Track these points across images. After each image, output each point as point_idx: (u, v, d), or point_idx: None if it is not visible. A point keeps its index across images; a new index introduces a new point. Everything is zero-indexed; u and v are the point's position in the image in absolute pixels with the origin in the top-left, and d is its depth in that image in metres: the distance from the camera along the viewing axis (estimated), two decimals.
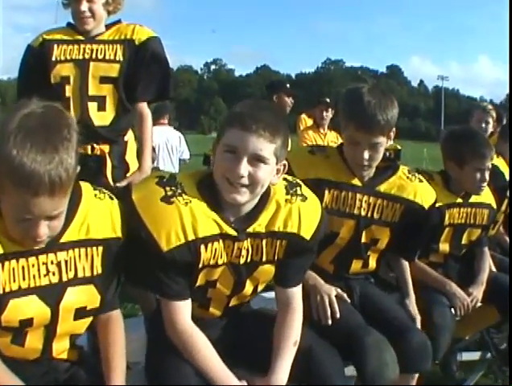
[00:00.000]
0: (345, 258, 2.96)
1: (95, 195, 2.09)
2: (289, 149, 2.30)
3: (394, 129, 2.79)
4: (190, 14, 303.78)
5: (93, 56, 3.40)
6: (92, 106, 3.39)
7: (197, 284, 2.24)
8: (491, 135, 5.74)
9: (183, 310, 2.21)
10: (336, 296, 2.76)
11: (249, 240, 2.23)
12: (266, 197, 2.26)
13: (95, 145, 3.37)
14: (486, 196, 3.59)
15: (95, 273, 2.04)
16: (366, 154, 2.71)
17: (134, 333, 2.48)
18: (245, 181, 2.11)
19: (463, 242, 3.58)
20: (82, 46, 3.41)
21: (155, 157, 7.39)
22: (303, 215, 2.29)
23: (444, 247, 3.53)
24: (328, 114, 7.78)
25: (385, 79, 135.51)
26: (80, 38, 3.44)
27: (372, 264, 3.03)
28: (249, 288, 2.37)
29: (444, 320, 3.20)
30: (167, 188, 2.15)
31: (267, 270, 2.34)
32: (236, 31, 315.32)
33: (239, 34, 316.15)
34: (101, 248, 2.04)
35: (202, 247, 2.14)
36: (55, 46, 3.41)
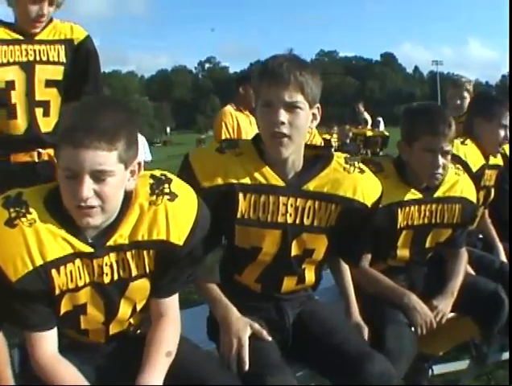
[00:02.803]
0: (274, 276, 2.45)
1: None
2: None
3: (318, 105, 2.30)
4: (181, 14, 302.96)
5: (37, 58, 3.21)
6: (39, 112, 3.24)
7: (63, 311, 1.99)
8: None
9: (46, 340, 1.98)
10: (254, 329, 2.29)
11: (111, 255, 1.96)
12: (126, 202, 1.97)
13: (41, 150, 3.25)
14: (460, 188, 2.94)
15: None
16: (283, 117, 2.16)
17: None
18: (93, 202, 1.84)
19: (427, 245, 2.97)
20: (24, 46, 3.18)
21: None
22: (172, 218, 1.99)
23: (403, 252, 2.93)
24: None
25: (380, 67, 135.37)
26: (19, 37, 3.19)
27: (310, 278, 2.52)
28: (125, 310, 2.09)
29: (400, 343, 2.55)
30: (12, 209, 1.87)
31: (142, 287, 2.06)
32: (228, 28, 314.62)
33: (232, 31, 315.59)
34: None
35: (53, 271, 1.89)
36: None
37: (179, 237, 2.00)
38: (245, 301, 2.40)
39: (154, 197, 1.99)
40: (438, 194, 2.89)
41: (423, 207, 2.86)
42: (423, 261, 3.03)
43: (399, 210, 2.81)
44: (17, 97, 3.16)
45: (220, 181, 2.27)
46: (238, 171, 2.28)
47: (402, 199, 2.82)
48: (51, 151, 3.23)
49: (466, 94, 5.32)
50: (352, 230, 2.45)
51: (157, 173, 2.08)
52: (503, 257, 3.66)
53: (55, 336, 2.01)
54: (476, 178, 3.39)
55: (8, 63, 3.13)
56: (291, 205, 2.32)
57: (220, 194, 2.25)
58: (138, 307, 2.13)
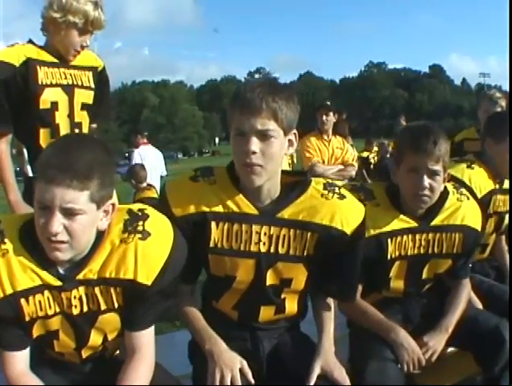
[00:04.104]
0: (250, 304, 2.38)
1: None
2: None
3: (295, 131, 2.23)
4: (229, 25, 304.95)
5: (75, 82, 3.43)
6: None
7: (36, 335, 2.08)
8: None
9: (18, 359, 2.07)
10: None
11: (80, 288, 2.01)
12: (99, 238, 2.01)
13: None
14: (462, 215, 2.72)
15: None
16: (254, 146, 2.09)
17: None
18: (62, 237, 1.89)
19: (424, 276, 2.77)
20: (62, 70, 3.39)
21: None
22: (141, 257, 2.00)
23: (397, 284, 2.75)
24: (330, 118, 7.03)
25: (428, 78, 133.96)
26: (56, 61, 3.37)
27: (291, 308, 2.43)
28: (96, 339, 2.14)
29: (381, 380, 2.40)
30: None
31: (111, 319, 2.10)
32: (277, 40, 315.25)
33: (280, 42, 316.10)
34: None
35: (22, 301, 1.97)
36: (38, 67, 3.28)
37: (147, 277, 2.01)
38: (222, 329, 2.35)
39: (126, 235, 2.01)
40: (435, 222, 2.70)
41: (417, 237, 2.68)
42: (420, 293, 2.85)
43: (389, 240, 2.63)
44: (60, 118, 3.35)
45: (192, 210, 2.23)
46: (211, 200, 2.24)
47: (394, 228, 2.64)
48: None
49: (500, 110, 5.04)
50: (335, 259, 2.34)
51: (135, 208, 2.10)
52: None
53: (26, 355, 2.09)
54: (484, 203, 3.21)
55: (52, 85, 3.31)
56: (265, 233, 2.25)
57: (192, 223, 2.23)
58: (110, 337, 2.16)
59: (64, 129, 3.36)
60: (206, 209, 2.23)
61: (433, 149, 2.54)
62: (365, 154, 12.78)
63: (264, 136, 2.10)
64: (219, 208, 2.24)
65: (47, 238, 1.89)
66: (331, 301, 2.54)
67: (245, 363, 2.24)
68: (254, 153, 2.10)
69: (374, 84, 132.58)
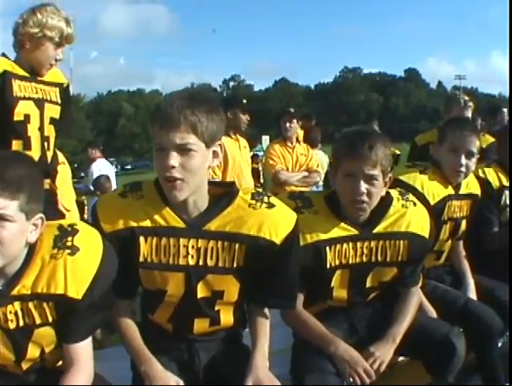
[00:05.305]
0: (184, 317, 2.36)
1: None
2: None
3: (220, 142, 2.25)
4: (205, 32, 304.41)
5: (45, 97, 3.55)
6: (45, 146, 3.58)
7: None
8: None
9: None
10: None
11: (15, 303, 2.04)
12: (30, 253, 2.05)
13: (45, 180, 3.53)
14: (407, 222, 2.65)
15: None
16: (173, 161, 2.10)
17: None
18: None
19: (368, 285, 2.71)
20: (33, 84, 3.51)
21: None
22: (71, 272, 2.02)
23: (340, 293, 2.69)
24: (294, 125, 7.05)
25: (403, 83, 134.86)
26: (27, 75, 3.49)
27: (226, 320, 2.41)
28: (33, 352, 2.15)
29: None
30: None
31: (47, 333, 2.12)
32: (253, 48, 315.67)
33: (256, 49, 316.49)
34: None
35: None
36: (13, 80, 3.40)
37: (77, 292, 2.04)
38: (159, 341, 2.38)
39: (55, 250, 2.05)
40: (378, 229, 2.64)
41: (359, 245, 2.62)
42: (365, 302, 2.79)
43: (328, 248, 2.57)
44: (31, 131, 3.47)
45: (121, 225, 2.24)
46: (139, 215, 2.25)
47: (333, 236, 2.58)
48: (49, 181, 3.63)
49: (469, 113, 5.19)
50: (268, 269, 2.32)
51: (65, 223, 2.14)
52: (471, 294, 3.42)
53: None
54: (437, 210, 3.21)
55: (25, 98, 3.44)
56: (193, 246, 2.25)
57: (122, 238, 2.23)
58: (47, 350, 2.19)
59: (35, 142, 3.49)
60: (134, 224, 2.24)
61: (369, 153, 2.50)
62: None
63: (183, 150, 2.11)
64: (147, 223, 2.24)
65: None
66: (267, 312, 2.49)
67: (181, 382, 2.25)
68: (174, 167, 2.10)
69: (349, 89, 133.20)
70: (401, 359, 2.81)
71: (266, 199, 2.30)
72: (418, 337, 2.69)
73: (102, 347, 3.73)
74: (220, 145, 2.24)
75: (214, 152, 2.22)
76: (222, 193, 2.32)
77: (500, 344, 3.73)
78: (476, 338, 3.01)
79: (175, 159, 2.10)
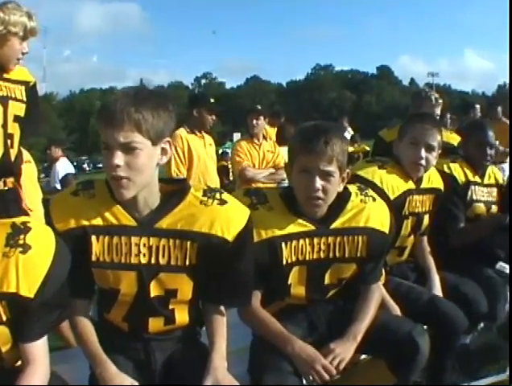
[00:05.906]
0: (138, 316, 2.33)
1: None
2: None
3: (168, 139, 2.21)
4: (177, 32, 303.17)
5: (9, 94, 3.54)
6: (9, 143, 3.55)
7: None
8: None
9: None
10: None
11: None
12: None
13: (6, 179, 3.59)
14: (365, 217, 2.62)
15: None
16: (118, 160, 2.08)
17: None
18: None
19: (326, 282, 2.65)
20: None
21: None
22: (23, 271, 1.98)
23: (298, 290, 2.63)
24: (260, 122, 7.02)
25: (376, 80, 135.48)
26: None
27: (182, 319, 2.38)
28: None
29: None
30: None
31: (2, 332, 2.06)
32: (225, 45, 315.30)
33: (228, 47, 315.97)
34: None
35: None
36: None
37: (29, 290, 2.01)
38: (115, 340, 2.37)
39: (7, 249, 2.01)
40: (336, 225, 2.59)
41: (316, 241, 2.56)
42: (324, 299, 2.73)
43: (283, 244, 2.52)
44: None
45: (73, 224, 2.22)
46: (90, 213, 2.23)
47: (289, 232, 2.52)
48: (12, 180, 3.64)
49: (437, 110, 5.21)
50: (221, 267, 2.29)
51: (18, 221, 2.10)
52: (436, 290, 3.38)
53: None
54: (398, 204, 3.17)
55: None
56: (144, 245, 2.23)
57: (74, 237, 2.20)
58: (4, 349, 2.14)
59: None
60: (86, 223, 2.22)
61: (324, 149, 2.45)
62: None
63: (128, 149, 2.09)
64: (98, 221, 2.22)
65: None
66: (223, 310, 2.45)
67: (136, 383, 2.22)
68: (119, 166, 2.08)
69: (321, 87, 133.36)
70: (363, 357, 2.74)
71: (217, 195, 2.28)
72: (380, 335, 2.63)
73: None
74: (168, 141, 2.20)
75: (163, 149, 2.19)
76: (174, 190, 2.30)
77: (468, 341, 3.71)
78: (440, 336, 2.97)
79: (119, 158, 2.08)
